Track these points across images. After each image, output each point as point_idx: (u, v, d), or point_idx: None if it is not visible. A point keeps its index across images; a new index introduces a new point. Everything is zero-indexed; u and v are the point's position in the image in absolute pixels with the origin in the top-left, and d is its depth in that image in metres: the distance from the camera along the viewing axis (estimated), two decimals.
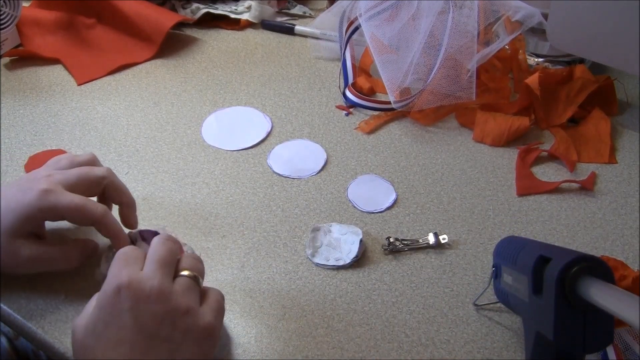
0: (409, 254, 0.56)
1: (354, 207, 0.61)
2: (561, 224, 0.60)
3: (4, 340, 0.53)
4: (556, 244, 0.58)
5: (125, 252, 0.45)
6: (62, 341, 0.49)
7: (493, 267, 0.50)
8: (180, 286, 0.43)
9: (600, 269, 0.39)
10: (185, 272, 0.44)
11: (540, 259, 0.41)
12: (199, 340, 0.43)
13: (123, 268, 0.43)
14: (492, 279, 0.50)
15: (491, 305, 0.52)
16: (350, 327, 0.50)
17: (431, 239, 0.57)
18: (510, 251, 0.47)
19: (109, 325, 0.41)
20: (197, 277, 0.45)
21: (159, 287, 0.41)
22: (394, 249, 0.56)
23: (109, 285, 0.42)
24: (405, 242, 0.57)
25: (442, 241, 0.57)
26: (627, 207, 0.62)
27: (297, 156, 0.67)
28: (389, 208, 0.61)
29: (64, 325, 0.50)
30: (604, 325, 0.40)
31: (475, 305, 0.52)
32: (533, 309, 0.42)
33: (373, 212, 0.61)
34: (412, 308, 0.52)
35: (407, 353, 0.49)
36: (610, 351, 0.47)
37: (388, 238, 0.57)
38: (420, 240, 0.57)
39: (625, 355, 0.47)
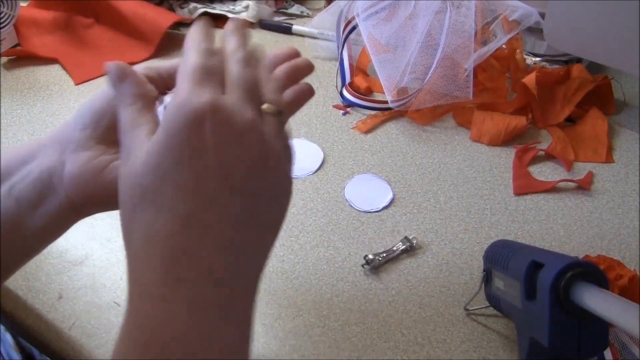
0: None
1: (351, 206, 0.61)
2: (558, 223, 0.60)
3: (9, 336, 0.53)
4: (553, 243, 0.58)
5: (202, 61, 0.31)
6: (59, 341, 0.49)
7: (483, 271, 0.50)
8: (269, 127, 0.31)
9: (594, 274, 0.39)
10: (268, 108, 0.32)
11: (532, 264, 0.41)
12: (281, 198, 0.32)
13: (201, 85, 0.30)
14: (483, 284, 0.50)
15: (482, 309, 0.51)
16: (347, 326, 0.50)
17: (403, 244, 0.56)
18: (501, 256, 0.46)
19: (180, 165, 0.29)
20: (281, 114, 0.33)
21: (253, 123, 0.30)
22: (374, 265, 0.55)
23: (180, 109, 0.29)
24: (382, 255, 0.55)
25: (413, 242, 0.56)
26: (624, 207, 0.62)
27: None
28: (385, 207, 0.61)
29: (61, 324, 0.50)
30: (599, 330, 0.40)
31: (466, 310, 0.52)
32: (526, 315, 0.42)
33: (370, 212, 0.61)
34: (409, 307, 0.52)
35: (403, 352, 0.49)
36: (607, 351, 0.47)
37: (365, 256, 0.55)
38: (394, 249, 0.56)
39: (622, 355, 0.47)
